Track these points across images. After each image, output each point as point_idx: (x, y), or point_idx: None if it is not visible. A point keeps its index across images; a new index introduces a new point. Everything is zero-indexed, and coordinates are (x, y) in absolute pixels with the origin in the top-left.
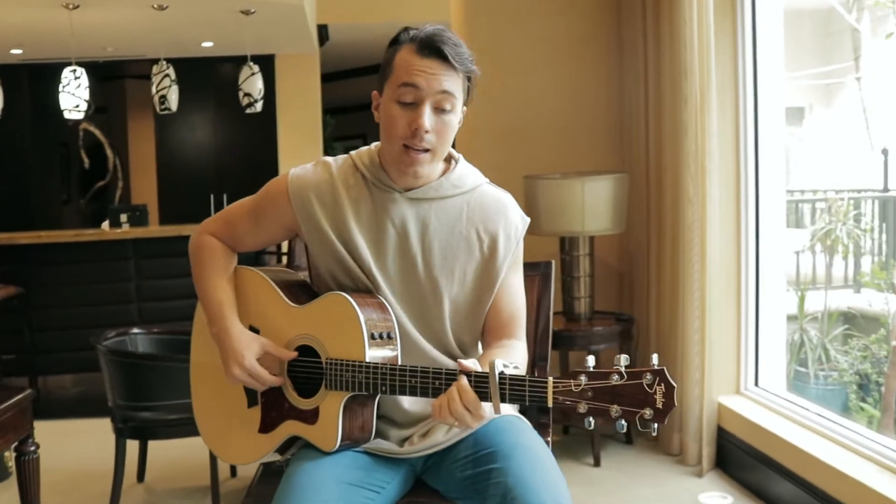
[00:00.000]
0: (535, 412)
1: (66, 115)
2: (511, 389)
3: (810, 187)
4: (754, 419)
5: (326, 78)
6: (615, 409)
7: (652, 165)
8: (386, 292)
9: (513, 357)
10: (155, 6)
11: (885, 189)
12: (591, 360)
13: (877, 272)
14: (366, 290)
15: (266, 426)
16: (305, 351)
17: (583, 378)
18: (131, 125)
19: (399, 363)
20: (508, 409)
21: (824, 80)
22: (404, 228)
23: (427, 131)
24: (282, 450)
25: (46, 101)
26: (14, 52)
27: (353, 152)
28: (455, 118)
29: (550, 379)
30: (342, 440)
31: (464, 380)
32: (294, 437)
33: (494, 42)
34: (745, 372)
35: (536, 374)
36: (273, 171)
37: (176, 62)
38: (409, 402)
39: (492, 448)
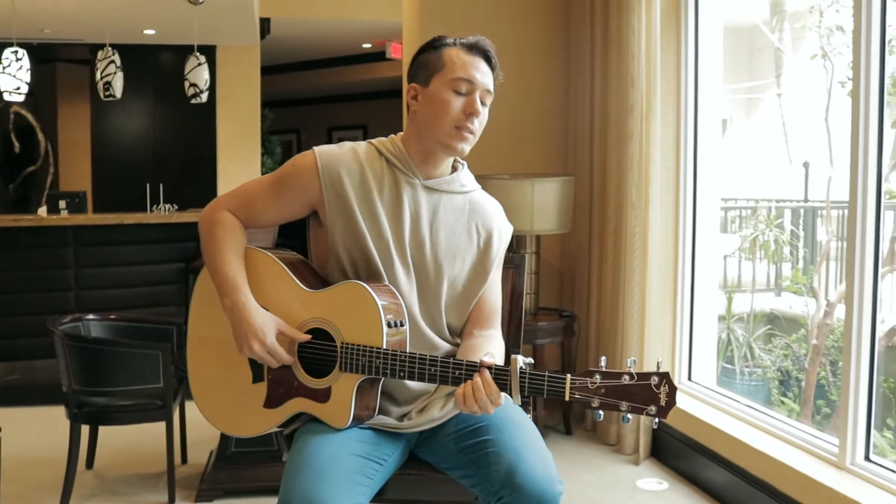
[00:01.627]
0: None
1: (6, 97)
2: (531, 384)
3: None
4: (689, 410)
5: (265, 71)
6: (624, 405)
7: (596, 169)
8: (398, 266)
9: (495, 346)
10: None
11: (806, 199)
12: (603, 361)
13: (797, 277)
14: (376, 272)
15: (272, 402)
16: (315, 334)
17: (598, 377)
18: (61, 110)
19: (409, 349)
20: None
21: (745, 94)
22: (418, 212)
23: (478, 114)
24: (285, 424)
25: None
26: None
27: (372, 140)
28: (487, 112)
29: (568, 376)
30: (353, 419)
31: (487, 373)
32: (300, 413)
33: None
34: (680, 367)
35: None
36: (212, 161)
37: (116, 48)
38: (410, 384)
39: (482, 422)
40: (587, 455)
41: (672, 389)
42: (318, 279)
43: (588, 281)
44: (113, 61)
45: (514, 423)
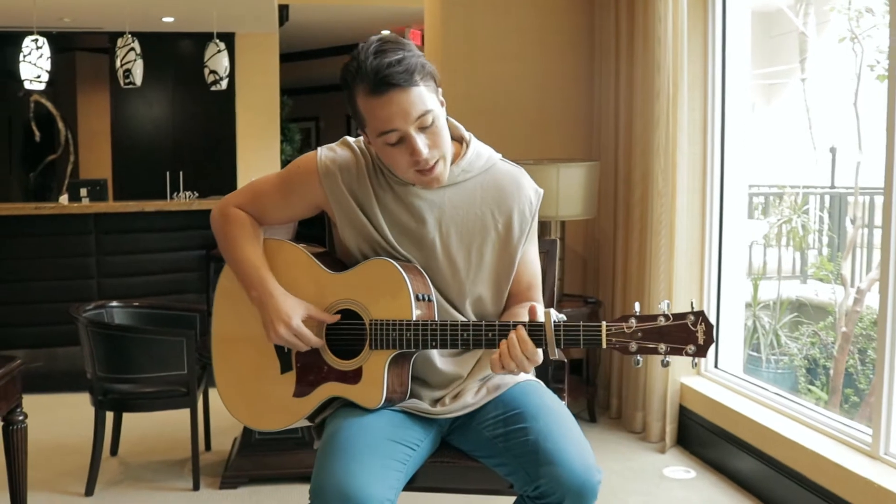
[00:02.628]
0: (551, 378)
1: (27, 86)
2: (566, 335)
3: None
4: (715, 398)
5: (284, 58)
6: (663, 347)
7: (621, 155)
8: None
9: None
10: None
11: (832, 185)
12: (637, 306)
13: (825, 264)
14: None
15: (302, 390)
16: (343, 315)
17: (633, 321)
18: (81, 99)
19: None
20: (528, 374)
21: (766, 80)
22: (422, 216)
23: (424, 153)
24: (313, 416)
25: None
26: None
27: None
28: (441, 118)
29: (603, 323)
30: (386, 397)
31: (522, 330)
32: (329, 400)
33: (469, 29)
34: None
35: None
36: (231, 148)
37: (135, 36)
38: (441, 364)
39: (519, 409)
40: (612, 443)
41: (709, 327)
42: (341, 264)
43: (613, 267)
44: (133, 48)
45: (550, 410)
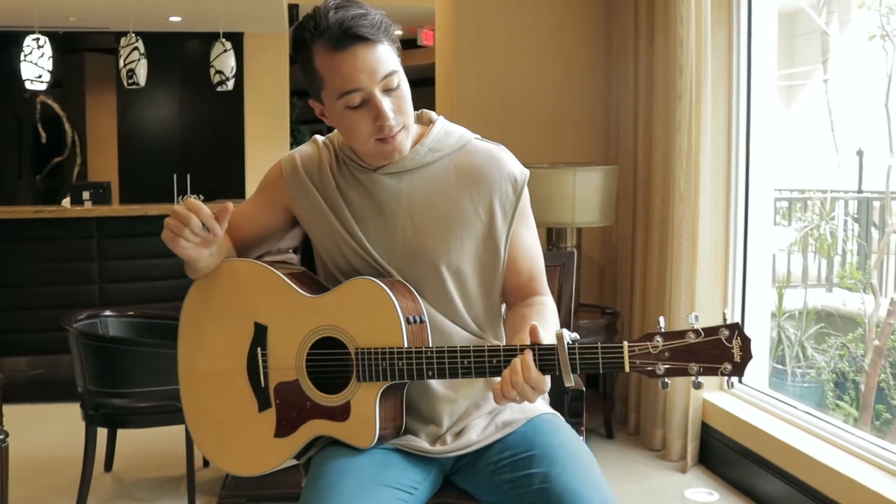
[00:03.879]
0: (568, 410)
1: (28, 86)
2: (583, 359)
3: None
4: (739, 415)
5: (294, 59)
6: (694, 367)
7: (641, 159)
8: (388, 269)
9: (546, 315)
10: None
11: (860, 190)
12: (662, 321)
13: (853, 272)
14: (377, 274)
15: (284, 429)
16: (326, 344)
17: (658, 339)
18: (89, 100)
19: (432, 346)
20: (540, 404)
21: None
22: (389, 206)
23: (390, 118)
24: (300, 454)
25: (1, 71)
26: None
27: (335, 131)
28: (405, 85)
29: (625, 343)
30: (378, 435)
31: (528, 356)
32: (317, 438)
33: (481, 28)
34: None
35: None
36: (239, 150)
37: (142, 36)
38: (441, 392)
39: (533, 451)
40: (631, 461)
41: (746, 342)
42: (319, 285)
43: (632, 276)
44: (136, 48)
45: (568, 452)
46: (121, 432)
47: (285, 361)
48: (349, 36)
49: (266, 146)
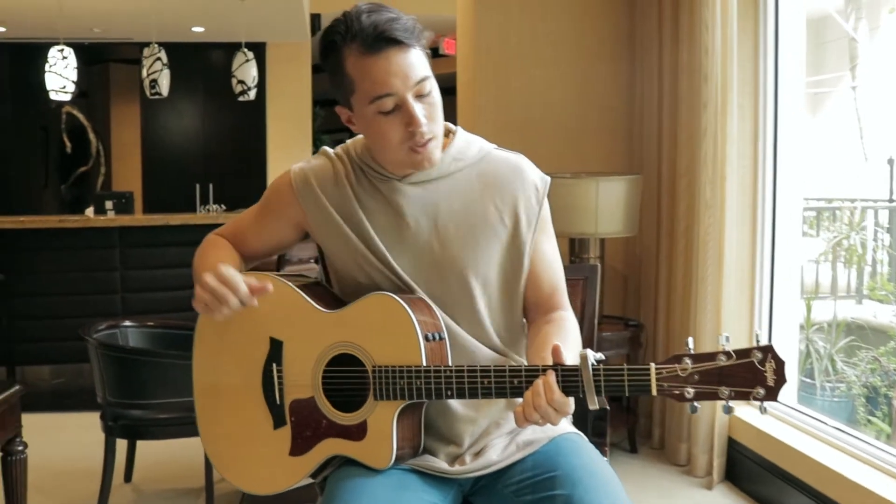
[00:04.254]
0: (591, 430)
1: (53, 96)
2: (608, 381)
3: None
4: (766, 430)
5: (316, 69)
6: (725, 391)
7: (665, 168)
8: (409, 282)
9: (567, 332)
10: None
11: (891, 199)
12: (690, 342)
13: (884, 283)
14: (398, 288)
15: (299, 448)
16: (343, 360)
17: (687, 361)
18: (114, 110)
19: (451, 364)
20: (563, 423)
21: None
22: (414, 217)
23: (423, 124)
24: (315, 473)
25: (29, 82)
26: None
27: (349, 141)
28: (437, 93)
29: (652, 365)
30: (396, 455)
31: (551, 377)
32: (332, 457)
33: (503, 37)
34: None
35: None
36: (261, 160)
37: (165, 47)
38: (460, 411)
39: (555, 472)
40: (654, 477)
41: (780, 364)
42: (336, 299)
43: (656, 287)
44: (159, 58)
45: (591, 475)
46: (140, 443)
47: (301, 378)
48: (383, 39)
49: (288, 155)
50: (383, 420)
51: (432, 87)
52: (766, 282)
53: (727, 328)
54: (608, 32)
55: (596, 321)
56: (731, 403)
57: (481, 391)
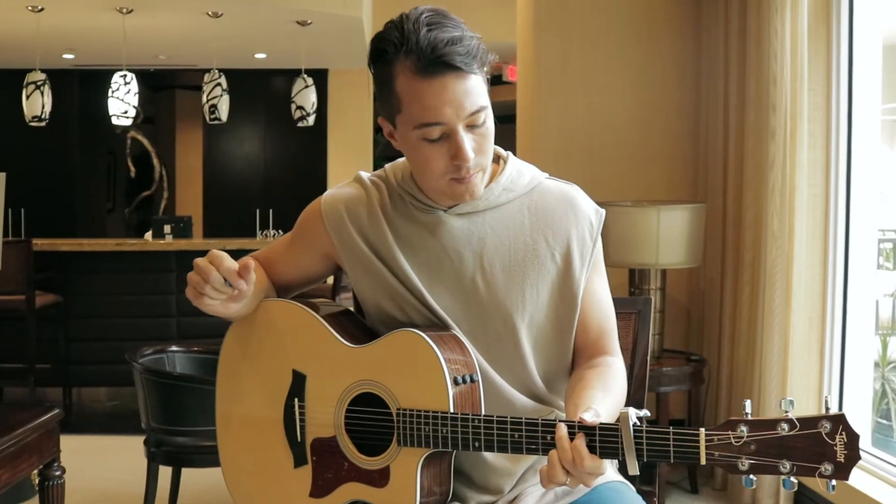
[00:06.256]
0: (642, 475)
1: (115, 121)
2: (651, 446)
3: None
4: None
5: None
6: (786, 465)
7: (731, 197)
8: (446, 320)
9: (610, 380)
10: (210, 13)
11: None
12: (748, 405)
13: None
14: (433, 325)
15: (319, 490)
16: (367, 400)
17: (743, 428)
18: (179, 136)
19: (484, 411)
20: (610, 472)
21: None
22: (457, 251)
23: (471, 159)
24: None
25: (96, 107)
26: (66, 56)
27: (387, 165)
28: (491, 122)
29: (702, 431)
30: None
31: (581, 443)
32: (356, 502)
33: (563, 62)
34: None
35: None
36: (322, 187)
37: (228, 73)
38: (492, 456)
39: None
40: None
41: (853, 438)
42: (364, 331)
43: (720, 321)
44: (219, 84)
45: None
46: (186, 470)
47: (323, 416)
48: (441, 63)
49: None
50: (407, 467)
51: (487, 117)
52: (839, 317)
53: (795, 364)
54: (673, 59)
55: (648, 358)
56: (794, 479)
57: (511, 445)
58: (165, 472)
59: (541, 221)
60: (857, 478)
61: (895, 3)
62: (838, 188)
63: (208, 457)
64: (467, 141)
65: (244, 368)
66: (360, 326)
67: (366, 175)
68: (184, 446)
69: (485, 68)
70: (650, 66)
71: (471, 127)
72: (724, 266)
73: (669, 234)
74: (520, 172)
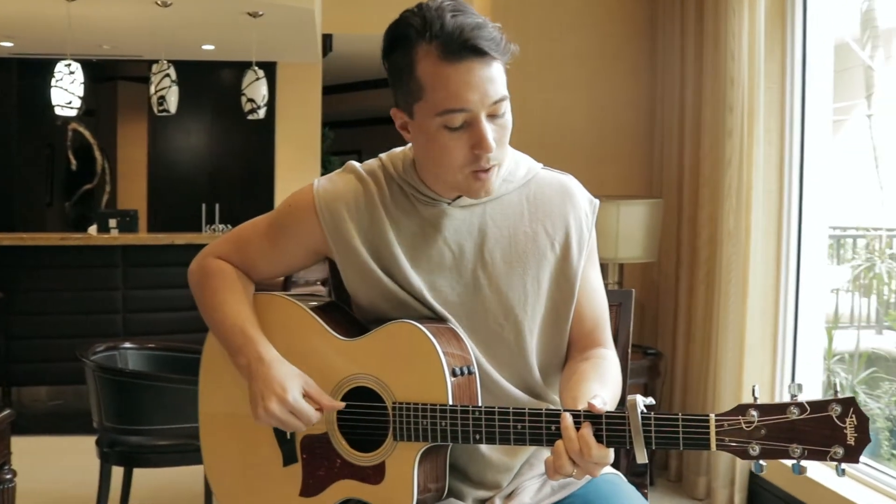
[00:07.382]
0: (630, 466)
1: (58, 112)
2: (659, 433)
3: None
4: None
5: (327, 90)
6: (797, 449)
7: (686, 193)
8: (443, 313)
9: (605, 372)
10: (158, 2)
11: None
12: (757, 389)
13: None
14: (429, 318)
15: (310, 488)
16: (360, 394)
17: (753, 413)
18: (121, 129)
19: (481, 403)
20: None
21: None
22: (458, 243)
23: (492, 149)
24: None
25: (36, 98)
26: (4, 44)
27: (382, 156)
28: (510, 116)
29: (712, 416)
30: (417, 501)
31: (588, 432)
32: (347, 500)
33: (520, 58)
34: None
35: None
36: (269, 181)
37: (174, 65)
38: (488, 450)
39: None
40: None
41: (863, 421)
42: (354, 324)
43: (675, 315)
44: (168, 75)
45: None
46: (138, 470)
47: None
48: (468, 47)
49: (296, 177)
50: (403, 463)
51: (506, 109)
52: (791, 311)
53: (750, 358)
54: (630, 56)
55: (630, 350)
56: (804, 463)
57: (513, 437)
58: (116, 472)
59: (539, 211)
60: (812, 468)
61: (845, 5)
62: (791, 186)
63: (164, 456)
64: (489, 130)
65: (229, 367)
66: (349, 319)
67: (358, 165)
68: (138, 446)
69: (507, 59)
70: (606, 64)
71: (492, 117)
72: (679, 261)
73: (628, 229)
74: (517, 163)
